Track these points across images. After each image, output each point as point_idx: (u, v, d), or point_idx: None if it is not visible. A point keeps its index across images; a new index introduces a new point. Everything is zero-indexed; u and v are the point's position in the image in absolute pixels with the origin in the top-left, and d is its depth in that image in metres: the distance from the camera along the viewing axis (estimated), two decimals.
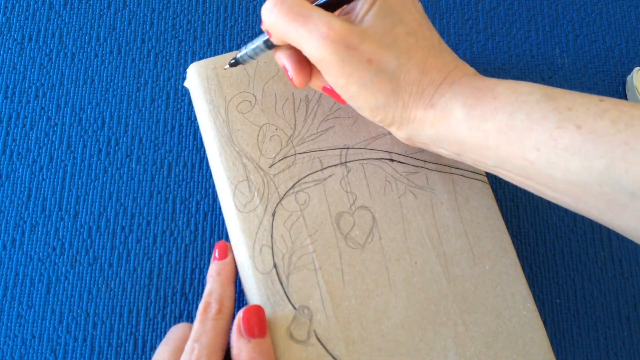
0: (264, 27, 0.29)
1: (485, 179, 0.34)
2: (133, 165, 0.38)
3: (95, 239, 0.36)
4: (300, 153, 0.33)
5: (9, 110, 0.39)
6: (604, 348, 0.36)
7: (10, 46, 0.40)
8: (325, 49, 0.25)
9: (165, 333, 0.35)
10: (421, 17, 0.28)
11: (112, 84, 0.40)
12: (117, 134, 0.39)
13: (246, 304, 0.32)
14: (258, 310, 0.29)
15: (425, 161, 0.34)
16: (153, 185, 0.38)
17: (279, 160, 0.33)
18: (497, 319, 0.31)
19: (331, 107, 0.34)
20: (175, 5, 0.42)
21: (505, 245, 0.33)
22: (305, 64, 0.29)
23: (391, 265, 0.31)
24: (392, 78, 0.27)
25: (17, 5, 0.41)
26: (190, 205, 0.37)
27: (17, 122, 0.39)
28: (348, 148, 0.34)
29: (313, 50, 0.26)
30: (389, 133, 0.34)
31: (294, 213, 0.32)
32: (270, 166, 0.33)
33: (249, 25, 0.41)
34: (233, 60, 0.32)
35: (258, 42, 0.30)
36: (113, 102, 0.39)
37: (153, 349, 0.34)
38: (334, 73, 0.26)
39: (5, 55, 0.40)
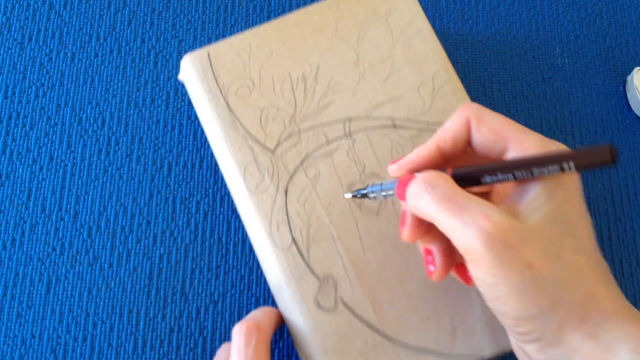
0: (404, 207, 0.26)
1: None
2: (133, 165, 0.38)
3: (95, 239, 0.36)
4: (304, 130, 0.33)
5: (9, 110, 0.39)
6: None
7: (10, 46, 0.40)
8: (482, 244, 0.22)
9: (165, 333, 0.35)
10: (594, 241, 0.24)
11: (112, 84, 0.40)
12: (117, 134, 0.39)
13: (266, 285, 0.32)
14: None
15: (428, 122, 0.34)
16: (153, 185, 0.38)
17: (285, 139, 0.33)
18: None
19: (329, 82, 0.34)
20: (175, 5, 0.42)
21: None
22: (453, 254, 0.27)
23: None
24: (552, 291, 0.23)
25: (17, 5, 0.41)
26: (190, 205, 0.37)
27: (17, 122, 0.39)
28: (351, 119, 0.34)
29: (466, 243, 0.23)
30: (389, 101, 0.34)
31: (306, 188, 0.32)
32: (277, 146, 0.33)
33: (248, 25, 0.41)
34: (360, 194, 0.30)
35: (391, 191, 0.28)
36: (113, 102, 0.39)
37: (153, 348, 0.34)
38: (486, 270, 0.23)
39: (5, 55, 0.40)
